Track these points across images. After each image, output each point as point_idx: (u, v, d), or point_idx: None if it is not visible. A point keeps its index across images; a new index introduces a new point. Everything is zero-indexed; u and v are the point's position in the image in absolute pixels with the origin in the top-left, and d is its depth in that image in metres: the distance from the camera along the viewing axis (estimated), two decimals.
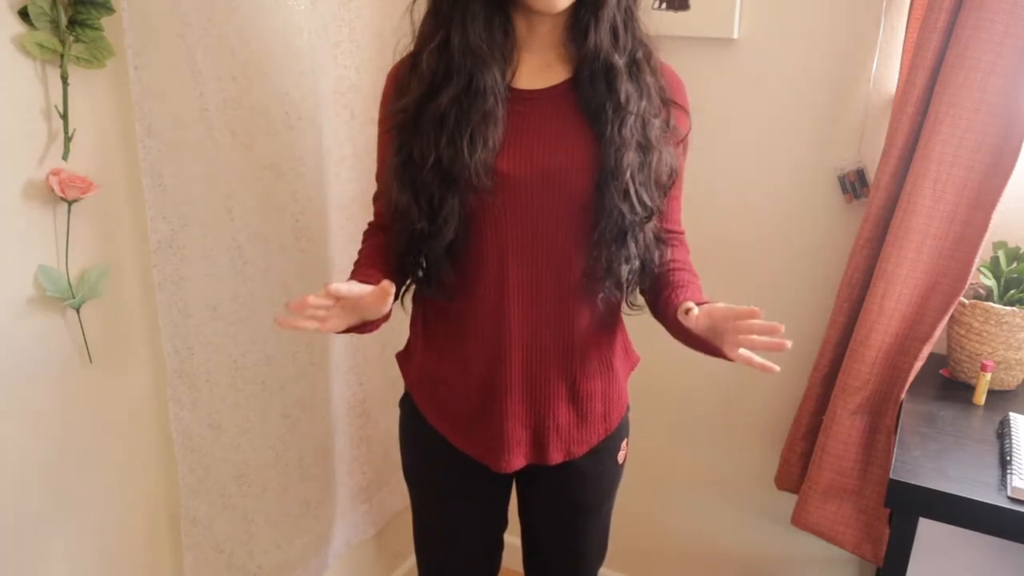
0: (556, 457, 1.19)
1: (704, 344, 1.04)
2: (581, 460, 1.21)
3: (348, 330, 1.03)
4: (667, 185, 1.12)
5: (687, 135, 1.16)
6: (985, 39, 1.27)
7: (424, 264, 1.10)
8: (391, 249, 1.13)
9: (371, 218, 1.24)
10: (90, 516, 1.21)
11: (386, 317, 1.05)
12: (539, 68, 1.09)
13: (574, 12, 1.06)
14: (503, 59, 1.06)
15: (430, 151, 1.04)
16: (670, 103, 1.11)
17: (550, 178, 1.06)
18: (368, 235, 1.23)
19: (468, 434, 1.19)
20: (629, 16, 1.07)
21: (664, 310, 1.13)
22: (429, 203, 1.05)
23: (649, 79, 1.08)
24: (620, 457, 1.27)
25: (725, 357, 1.01)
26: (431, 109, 1.04)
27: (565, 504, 1.27)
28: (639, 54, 1.07)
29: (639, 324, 1.24)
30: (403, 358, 1.28)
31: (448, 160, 1.03)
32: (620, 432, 1.25)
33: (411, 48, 1.10)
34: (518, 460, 1.18)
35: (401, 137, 1.07)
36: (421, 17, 1.08)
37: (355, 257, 1.19)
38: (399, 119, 1.07)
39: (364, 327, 1.05)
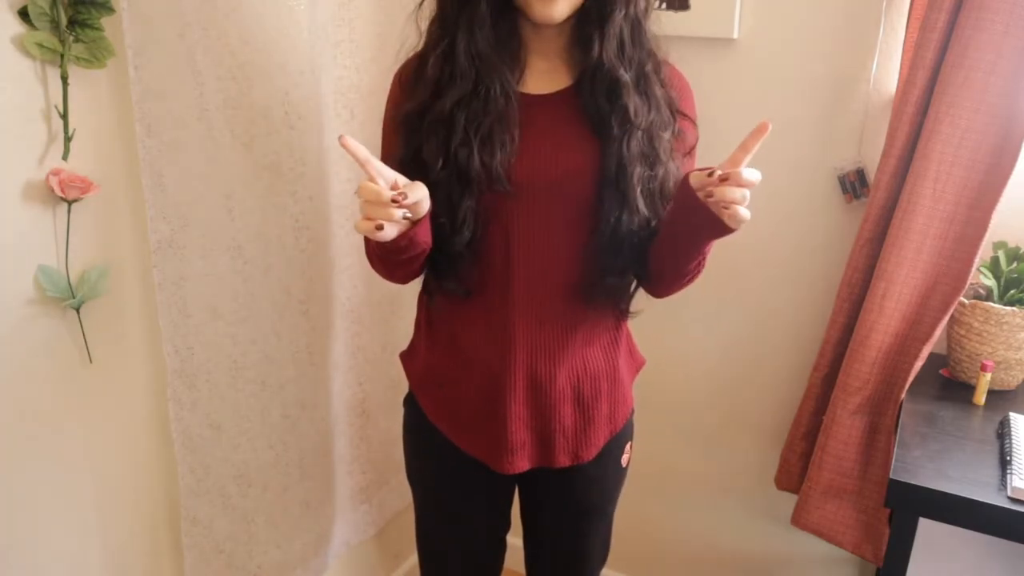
0: (562, 461, 1.19)
1: (699, 220, 0.97)
2: (585, 463, 1.21)
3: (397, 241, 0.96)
4: (671, 196, 1.10)
5: (694, 145, 1.15)
6: (985, 39, 1.27)
7: (443, 260, 1.09)
8: None
9: None
10: (90, 516, 1.21)
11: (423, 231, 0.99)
12: (545, 73, 1.09)
13: (579, 21, 1.05)
14: (513, 63, 1.06)
15: (439, 153, 1.04)
16: (679, 113, 1.10)
17: (555, 181, 1.06)
18: None
19: (471, 435, 1.19)
20: (637, 28, 1.05)
21: (649, 258, 1.09)
22: (448, 201, 1.04)
23: (658, 91, 1.07)
24: (624, 460, 1.27)
25: (723, 227, 0.95)
26: (435, 112, 1.04)
27: (568, 506, 1.27)
28: (648, 66, 1.07)
29: (642, 327, 1.24)
30: (407, 357, 1.28)
31: (463, 162, 1.02)
32: (624, 434, 1.25)
33: (418, 48, 1.11)
34: (522, 463, 1.18)
35: (406, 138, 1.07)
36: (427, 21, 1.08)
37: (359, 256, 1.18)
38: (404, 122, 1.07)
39: (410, 241, 0.98)
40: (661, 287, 1.14)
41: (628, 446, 1.27)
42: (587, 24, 1.04)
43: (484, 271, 1.10)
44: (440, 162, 1.03)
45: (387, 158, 1.14)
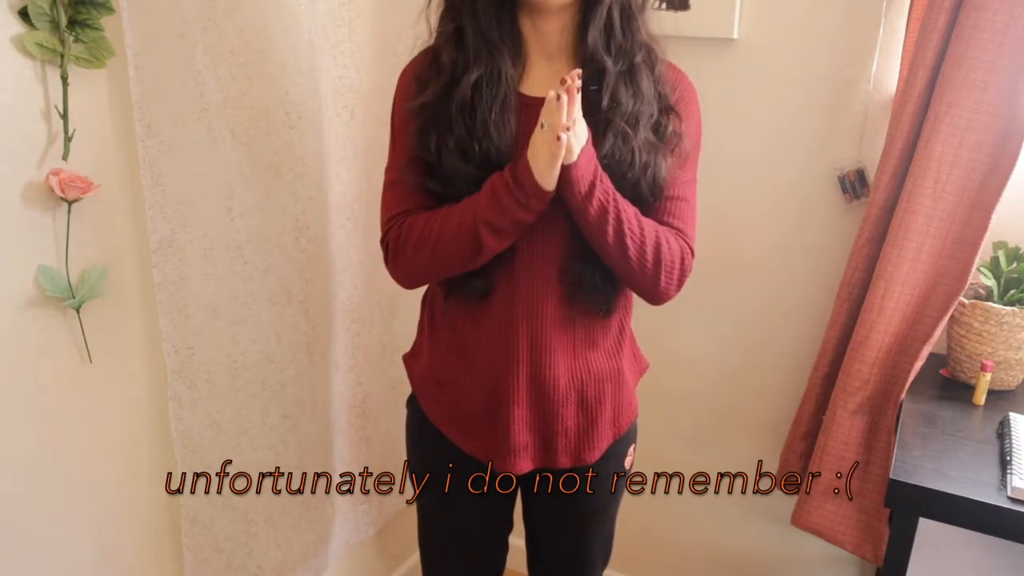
0: (564, 462, 1.19)
1: None
2: (587, 465, 1.21)
3: None
4: (655, 194, 1.08)
5: (695, 142, 1.13)
6: (985, 39, 1.27)
7: None
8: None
9: (371, 217, 1.24)
10: (90, 516, 1.21)
11: None
12: (550, 75, 1.09)
13: (580, 16, 1.06)
14: (514, 52, 1.06)
15: (455, 138, 1.04)
16: (671, 110, 1.09)
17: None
18: (405, 215, 1.12)
19: (474, 436, 1.19)
20: (626, 17, 1.05)
21: None
22: (467, 192, 1.05)
23: (646, 85, 1.06)
24: (627, 463, 1.27)
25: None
26: (456, 97, 1.05)
27: (570, 508, 1.26)
28: (638, 57, 1.06)
29: (642, 328, 1.24)
30: (409, 359, 1.28)
31: (485, 147, 1.03)
32: (628, 438, 1.25)
33: (428, 44, 1.11)
34: (524, 464, 1.17)
35: (422, 130, 1.07)
36: (437, 17, 1.09)
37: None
38: (426, 114, 1.07)
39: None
40: (634, 288, 1.13)
41: (631, 449, 1.27)
42: (584, 16, 1.05)
43: (486, 271, 1.10)
44: (457, 149, 1.04)
45: (400, 154, 1.13)
